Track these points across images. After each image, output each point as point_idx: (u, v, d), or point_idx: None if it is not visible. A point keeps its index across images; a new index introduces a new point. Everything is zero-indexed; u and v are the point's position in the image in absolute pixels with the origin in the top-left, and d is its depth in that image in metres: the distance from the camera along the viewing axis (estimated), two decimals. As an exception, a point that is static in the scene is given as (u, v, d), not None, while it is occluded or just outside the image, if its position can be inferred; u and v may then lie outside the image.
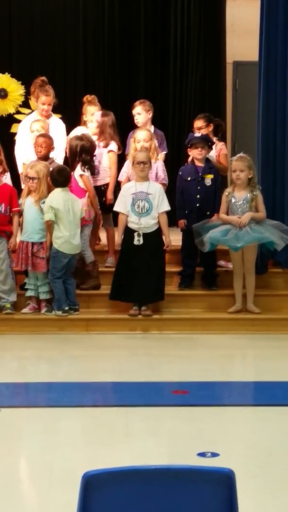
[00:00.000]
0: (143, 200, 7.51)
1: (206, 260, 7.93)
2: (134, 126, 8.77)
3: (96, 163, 8.02)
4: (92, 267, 7.79)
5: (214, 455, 4.43)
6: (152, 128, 8.40)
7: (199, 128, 8.34)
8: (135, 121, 8.30)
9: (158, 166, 7.96)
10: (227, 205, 7.64)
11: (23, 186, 7.96)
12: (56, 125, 8.24)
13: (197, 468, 2.29)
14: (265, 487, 4.13)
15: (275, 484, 4.15)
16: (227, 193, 7.66)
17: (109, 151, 8.16)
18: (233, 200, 7.61)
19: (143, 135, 7.89)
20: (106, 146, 8.16)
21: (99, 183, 8.10)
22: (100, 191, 8.05)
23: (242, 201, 7.60)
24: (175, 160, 9.56)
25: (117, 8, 10.79)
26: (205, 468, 2.29)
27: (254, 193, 7.61)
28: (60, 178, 7.48)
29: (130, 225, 7.52)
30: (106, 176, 8.14)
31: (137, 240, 7.47)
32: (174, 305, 7.79)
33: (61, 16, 10.83)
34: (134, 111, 8.33)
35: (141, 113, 8.30)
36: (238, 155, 7.82)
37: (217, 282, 7.95)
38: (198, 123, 8.44)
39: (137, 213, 7.50)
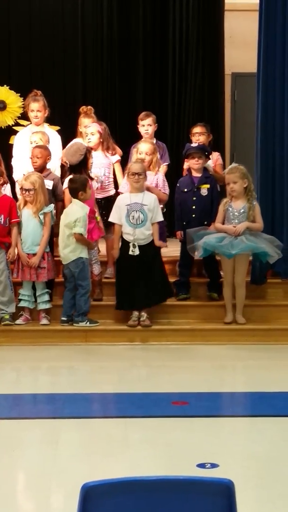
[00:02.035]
0: (138, 211, 7.51)
1: (209, 270, 7.92)
2: (133, 137, 8.80)
3: (105, 174, 8.07)
4: (98, 277, 7.82)
5: (214, 466, 4.42)
6: (154, 140, 8.43)
7: (200, 134, 8.35)
8: (145, 131, 8.32)
9: (159, 177, 7.97)
10: (224, 214, 7.63)
11: (19, 197, 7.99)
12: (51, 137, 8.27)
13: (197, 478, 2.28)
14: (264, 498, 4.12)
15: (275, 494, 4.14)
16: (224, 203, 7.65)
17: (116, 162, 8.23)
18: (230, 210, 7.61)
19: (146, 148, 7.90)
20: (113, 154, 8.21)
21: (106, 194, 8.13)
22: (109, 201, 8.06)
23: (239, 211, 7.59)
24: (174, 172, 9.56)
25: (115, 19, 10.82)
26: (204, 479, 2.28)
27: (253, 203, 7.60)
28: (68, 187, 7.56)
29: (125, 237, 7.53)
30: (113, 187, 8.21)
31: (132, 251, 7.48)
32: (173, 316, 7.79)
33: (59, 28, 10.85)
34: (145, 122, 8.35)
35: (151, 124, 8.37)
36: (230, 166, 7.84)
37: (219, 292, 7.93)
38: (198, 128, 8.46)
39: (132, 224, 7.50)
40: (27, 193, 7.53)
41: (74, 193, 7.51)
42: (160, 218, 7.60)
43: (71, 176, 7.64)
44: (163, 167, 8.37)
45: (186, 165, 8.40)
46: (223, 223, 7.62)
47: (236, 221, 7.56)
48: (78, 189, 7.48)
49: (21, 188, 7.62)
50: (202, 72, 10.72)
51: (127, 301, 7.59)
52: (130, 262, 7.52)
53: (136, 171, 7.50)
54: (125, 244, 7.53)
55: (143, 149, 7.90)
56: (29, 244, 7.56)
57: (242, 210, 7.57)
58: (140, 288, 7.51)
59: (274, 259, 7.61)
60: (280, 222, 8.13)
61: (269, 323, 7.76)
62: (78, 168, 7.67)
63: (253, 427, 5.31)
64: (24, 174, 8.03)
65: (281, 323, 7.78)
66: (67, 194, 7.81)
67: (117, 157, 8.31)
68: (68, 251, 7.49)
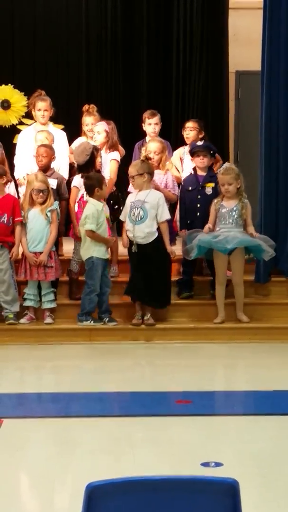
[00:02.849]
0: (138, 208, 7.51)
1: (212, 268, 7.91)
2: (137, 135, 8.80)
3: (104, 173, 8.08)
4: None
5: (218, 465, 4.42)
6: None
7: (191, 129, 8.36)
8: (152, 129, 8.31)
9: (168, 177, 7.96)
10: (216, 215, 7.63)
11: (21, 195, 7.99)
12: (57, 135, 8.28)
13: (201, 478, 2.29)
14: (269, 497, 4.12)
15: (279, 493, 4.14)
16: (215, 203, 7.64)
17: (112, 160, 8.19)
18: (222, 210, 7.61)
19: (154, 147, 7.89)
20: (112, 151, 8.22)
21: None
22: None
23: (232, 210, 7.59)
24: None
25: (119, 18, 10.81)
26: (208, 478, 2.28)
27: (244, 201, 7.61)
28: (84, 184, 7.58)
29: (128, 234, 7.54)
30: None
31: (133, 248, 7.49)
32: (176, 315, 7.79)
33: (63, 27, 10.85)
34: (152, 121, 8.33)
35: (158, 123, 8.36)
36: (224, 166, 7.83)
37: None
38: (190, 123, 8.51)
39: (132, 221, 7.51)
40: (41, 194, 7.51)
41: (90, 190, 7.50)
42: (166, 216, 7.56)
43: (88, 174, 7.61)
44: (169, 165, 8.35)
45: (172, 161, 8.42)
46: (214, 224, 7.61)
47: (230, 220, 7.56)
48: (94, 185, 7.48)
49: (33, 189, 7.56)
50: (206, 70, 10.72)
51: (132, 289, 7.58)
52: (133, 261, 7.54)
53: (130, 174, 7.52)
54: (130, 241, 7.56)
55: (151, 148, 7.90)
56: (38, 242, 7.56)
57: (235, 209, 7.57)
58: (139, 285, 7.50)
59: (268, 256, 7.61)
60: (284, 220, 8.12)
61: (272, 322, 7.75)
62: (86, 168, 7.69)
63: (257, 425, 5.30)
64: (27, 173, 8.04)
65: (285, 322, 7.77)
66: (74, 193, 7.83)
67: (114, 155, 8.22)
68: (83, 250, 7.53)
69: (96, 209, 7.46)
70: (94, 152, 7.70)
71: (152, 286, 7.50)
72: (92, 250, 7.46)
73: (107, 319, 7.52)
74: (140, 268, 7.49)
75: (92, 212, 7.43)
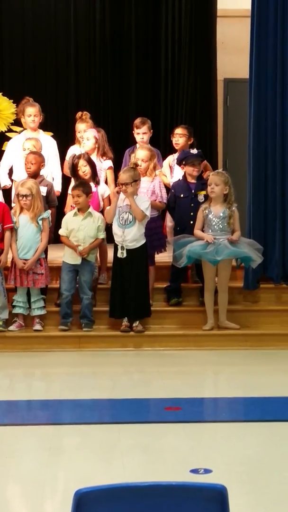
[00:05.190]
0: (127, 213, 7.53)
1: (202, 275, 7.91)
2: (127, 143, 8.81)
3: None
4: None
5: (207, 471, 4.42)
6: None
7: (180, 135, 8.38)
8: (140, 139, 8.28)
9: (155, 184, 7.96)
10: (203, 220, 7.65)
11: (13, 204, 8.02)
12: (47, 143, 8.30)
13: (190, 484, 2.30)
14: (257, 503, 4.13)
15: (267, 500, 4.15)
16: (203, 209, 7.66)
17: (108, 168, 8.28)
18: (209, 216, 7.63)
19: (142, 155, 7.89)
20: (106, 159, 8.27)
21: None
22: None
23: (219, 217, 7.61)
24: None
25: (108, 25, 10.84)
26: (197, 484, 2.29)
27: (232, 209, 7.63)
28: None
29: (115, 238, 7.55)
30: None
31: (121, 253, 7.49)
32: (166, 321, 7.79)
33: (52, 34, 10.86)
34: (140, 130, 8.32)
35: (146, 132, 8.33)
36: (216, 170, 7.88)
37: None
38: (179, 130, 8.50)
39: (121, 225, 7.53)
40: (24, 199, 7.52)
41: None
42: (147, 212, 7.50)
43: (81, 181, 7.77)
44: (159, 173, 8.36)
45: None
46: (202, 229, 7.64)
47: (216, 227, 7.58)
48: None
49: (17, 194, 7.60)
50: (194, 78, 10.74)
51: (118, 309, 7.60)
52: (120, 267, 7.55)
53: (122, 181, 7.52)
54: (116, 247, 7.56)
55: (139, 155, 7.90)
56: (28, 250, 7.56)
57: (222, 215, 7.59)
58: (126, 297, 7.51)
59: (256, 264, 7.64)
60: (273, 228, 8.14)
61: (262, 328, 7.77)
62: (75, 178, 7.79)
63: (246, 432, 5.31)
64: (15, 180, 8.08)
65: (274, 328, 7.79)
66: (69, 200, 7.91)
67: (109, 163, 8.31)
68: None
69: (68, 216, 7.72)
70: (74, 161, 7.80)
71: (134, 295, 7.50)
72: (63, 255, 7.70)
73: (84, 324, 7.54)
74: (123, 275, 7.49)
75: (64, 218, 7.74)
